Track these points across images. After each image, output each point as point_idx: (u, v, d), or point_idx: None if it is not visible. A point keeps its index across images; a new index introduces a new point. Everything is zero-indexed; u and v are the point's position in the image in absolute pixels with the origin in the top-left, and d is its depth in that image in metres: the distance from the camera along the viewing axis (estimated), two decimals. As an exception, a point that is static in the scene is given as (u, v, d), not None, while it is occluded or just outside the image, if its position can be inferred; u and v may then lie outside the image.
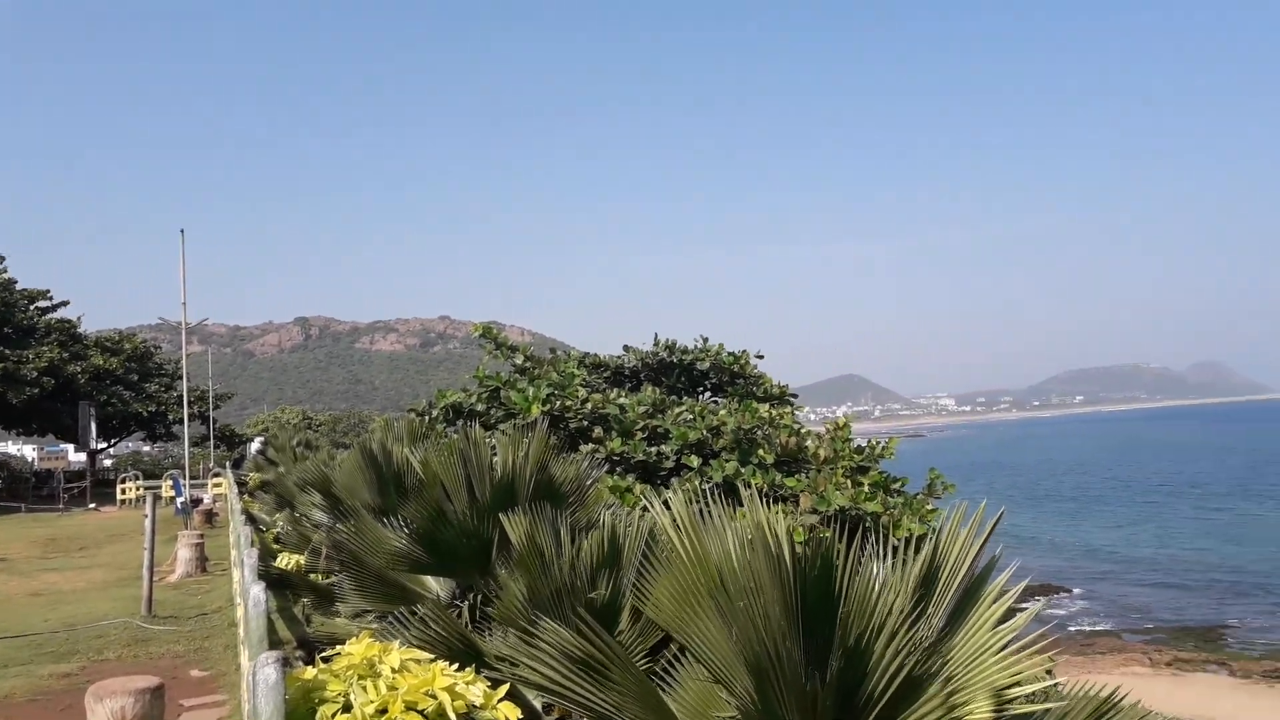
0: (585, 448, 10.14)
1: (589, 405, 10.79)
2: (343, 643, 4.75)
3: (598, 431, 10.55)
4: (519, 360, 12.46)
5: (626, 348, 14.03)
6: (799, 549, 3.00)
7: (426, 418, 11.80)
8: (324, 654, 4.82)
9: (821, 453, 11.22)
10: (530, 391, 10.72)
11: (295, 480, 14.23)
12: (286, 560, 11.99)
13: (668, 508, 3.70)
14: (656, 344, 13.84)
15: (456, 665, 4.58)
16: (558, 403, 10.67)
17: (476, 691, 4.30)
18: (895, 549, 3.71)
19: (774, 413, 12.13)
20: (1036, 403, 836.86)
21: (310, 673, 4.29)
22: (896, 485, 10.64)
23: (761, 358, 14.65)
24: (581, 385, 11.51)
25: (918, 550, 3.64)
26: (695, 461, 10.00)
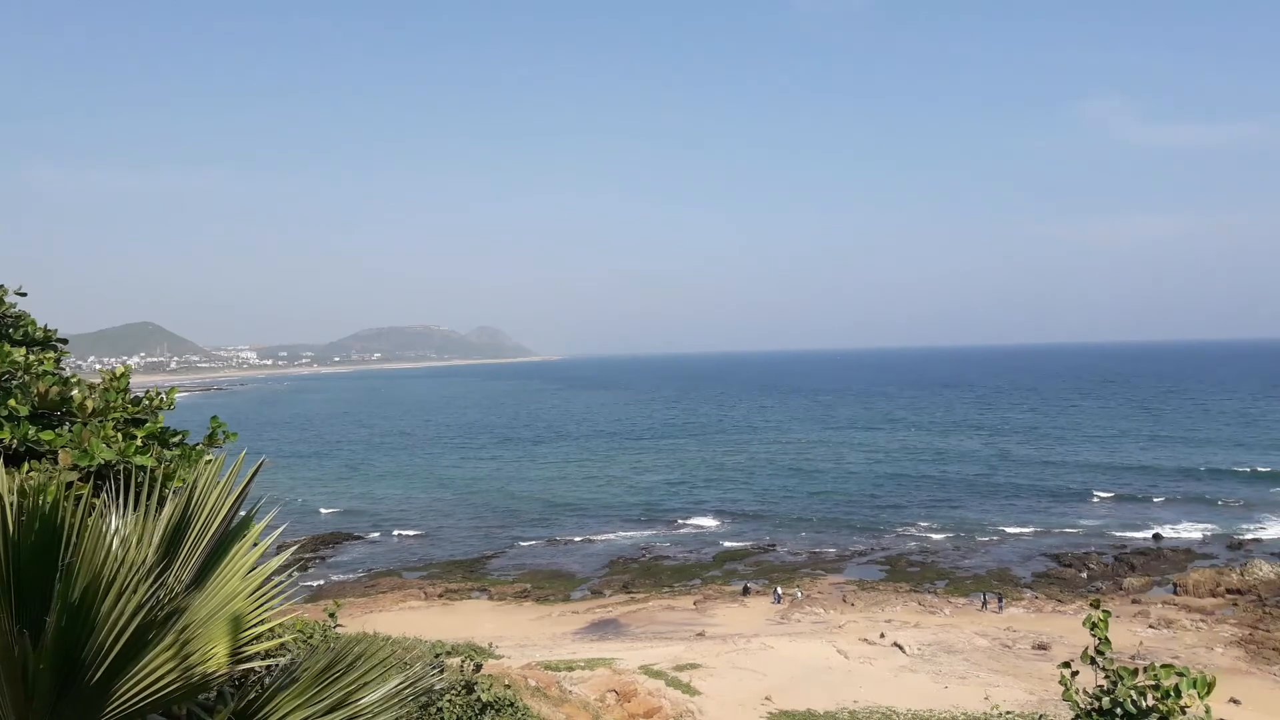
0: None
1: None
2: None
3: None
4: None
5: None
6: (18, 505, 2.68)
7: None
8: None
9: (90, 404, 10.05)
10: None
11: None
12: None
13: None
14: None
15: None
16: None
17: None
18: (163, 501, 3.55)
19: (34, 358, 10.57)
20: (338, 358, 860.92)
21: None
22: (176, 438, 10.03)
23: (24, 294, 12.64)
24: None
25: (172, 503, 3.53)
26: (-84, 415, 8.24)
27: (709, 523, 74.82)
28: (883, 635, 43.66)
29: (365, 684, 3.43)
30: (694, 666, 36.20)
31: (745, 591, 54.18)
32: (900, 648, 41.39)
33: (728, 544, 67.16)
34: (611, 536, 70.83)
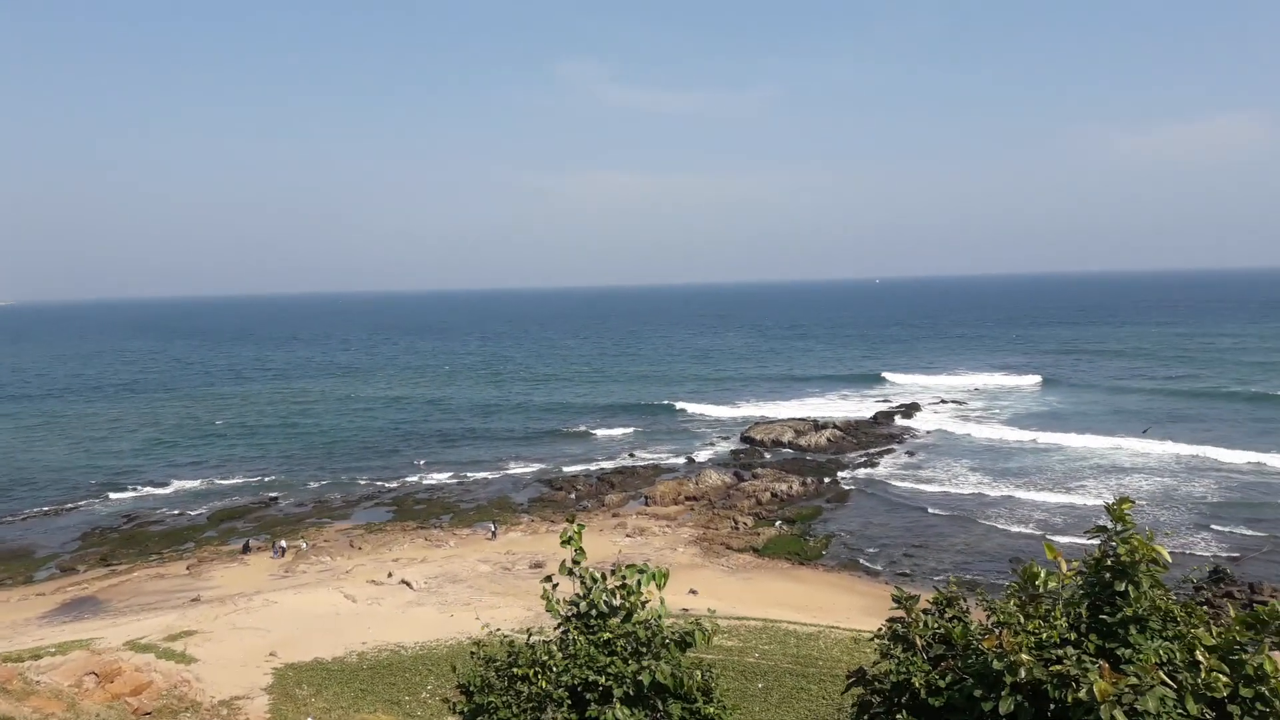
0: None
1: None
2: None
3: None
4: None
5: None
6: None
7: None
8: None
9: None
10: None
11: None
12: None
13: None
14: None
15: None
16: None
17: None
18: None
19: None
20: None
21: None
22: None
23: None
24: None
25: None
26: None
27: (200, 483, 69.42)
28: (390, 574, 44.34)
29: None
30: (189, 634, 33.77)
31: (246, 549, 51.51)
32: (408, 584, 42.39)
33: (224, 503, 63.06)
34: (83, 505, 62.85)
